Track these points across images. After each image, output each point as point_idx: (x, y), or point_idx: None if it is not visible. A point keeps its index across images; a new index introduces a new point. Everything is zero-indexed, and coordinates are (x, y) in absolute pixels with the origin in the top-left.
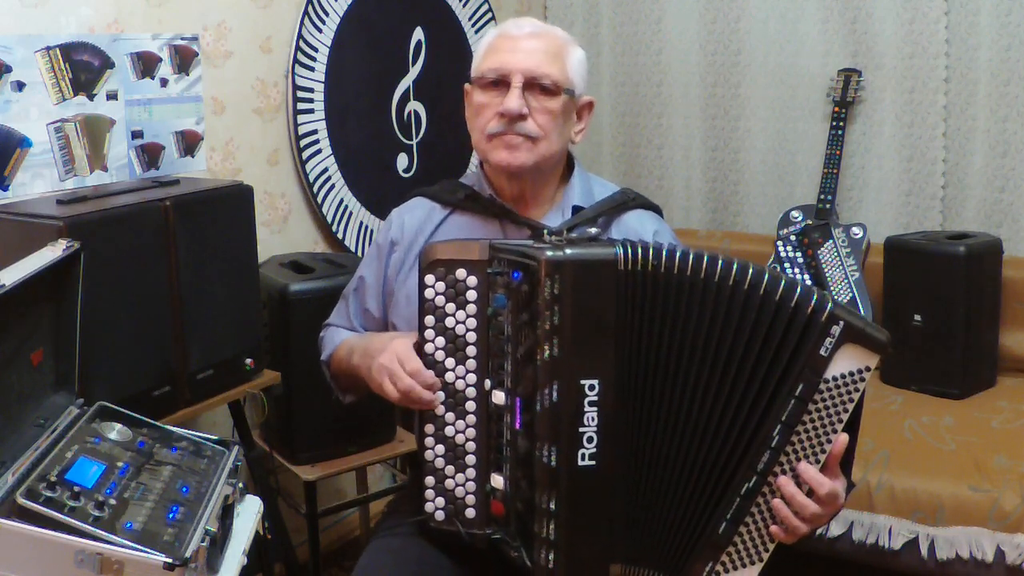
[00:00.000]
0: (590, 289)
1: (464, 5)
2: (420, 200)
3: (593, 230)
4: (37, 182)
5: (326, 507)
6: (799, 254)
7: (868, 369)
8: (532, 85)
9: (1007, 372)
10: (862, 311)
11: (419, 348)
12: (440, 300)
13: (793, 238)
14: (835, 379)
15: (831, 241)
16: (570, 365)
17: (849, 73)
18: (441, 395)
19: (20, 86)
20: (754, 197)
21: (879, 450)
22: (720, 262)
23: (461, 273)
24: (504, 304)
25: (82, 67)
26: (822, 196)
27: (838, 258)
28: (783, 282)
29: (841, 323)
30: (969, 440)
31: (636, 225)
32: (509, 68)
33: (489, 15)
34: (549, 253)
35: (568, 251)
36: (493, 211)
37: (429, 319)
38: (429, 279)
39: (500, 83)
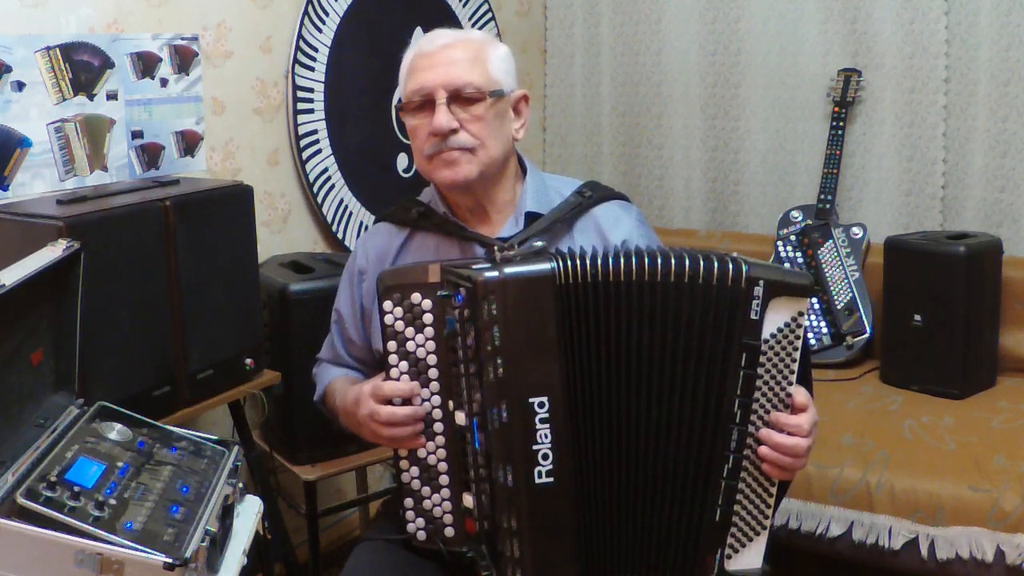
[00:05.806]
0: (529, 307)
1: (464, 5)
2: (382, 225)
3: (538, 243)
4: (37, 182)
5: (326, 507)
6: (799, 254)
7: (801, 314)
8: (457, 97)
9: (1007, 372)
10: (862, 311)
11: (386, 374)
12: (400, 325)
13: (793, 238)
14: (773, 336)
15: (831, 241)
16: (516, 384)
17: (849, 73)
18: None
19: (20, 86)
20: (754, 197)
21: (879, 450)
22: (647, 260)
23: (416, 297)
24: (455, 326)
25: (82, 67)
26: (822, 196)
27: (838, 258)
28: (702, 262)
29: (761, 282)
30: (969, 440)
31: (600, 221)
32: (430, 86)
33: (489, 15)
34: (486, 274)
35: (506, 270)
36: (447, 229)
37: (391, 344)
38: (387, 306)
39: (426, 103)
